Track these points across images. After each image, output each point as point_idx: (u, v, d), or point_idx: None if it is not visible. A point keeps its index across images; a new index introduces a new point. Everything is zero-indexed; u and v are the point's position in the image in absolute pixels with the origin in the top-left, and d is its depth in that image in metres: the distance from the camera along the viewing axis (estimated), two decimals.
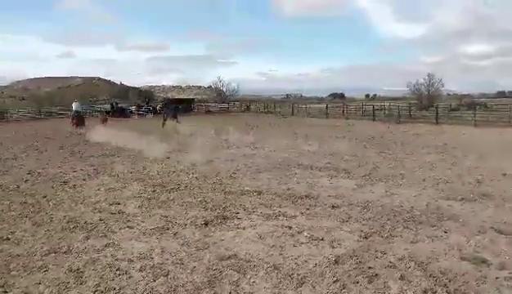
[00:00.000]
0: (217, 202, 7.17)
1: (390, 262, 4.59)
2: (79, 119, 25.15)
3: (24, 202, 7.38)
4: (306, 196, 7.59)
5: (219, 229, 5.84)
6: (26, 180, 9.31)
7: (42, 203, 7.31)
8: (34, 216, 6.58)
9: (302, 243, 5.25)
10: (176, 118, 26.03)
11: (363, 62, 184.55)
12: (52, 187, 8.61)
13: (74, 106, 26.50)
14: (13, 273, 4.45)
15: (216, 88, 62.76)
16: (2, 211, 6.86)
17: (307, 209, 6.79)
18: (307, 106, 44.86)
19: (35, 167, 10.97)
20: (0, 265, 4.64)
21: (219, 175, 9.65)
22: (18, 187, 8.64)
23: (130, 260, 4.72)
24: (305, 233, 5.57)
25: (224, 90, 60.89)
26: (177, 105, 34.68)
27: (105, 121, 26.88)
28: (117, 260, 4.75)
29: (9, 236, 5.61)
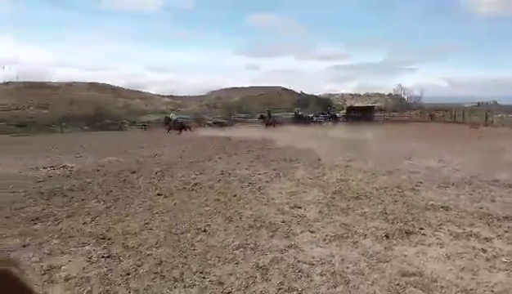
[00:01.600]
0: (398, 215, 6.85)
1: None
2: (178, 127, 31.86)
3: (218, 200, 8.22)
4: (504, 217, 6.69)
5: (401, 243, 5.56)
6: (219, 180, 10.36)
7: (232, 201, 8.05)
8: (226, 212, 7.26)
9: (500, 270, 4.64)
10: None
11: None
12: (241, 187, 9.40)
13: (173, 117, 35.23)
14: (209, 261, 4.97)
15: (397, 96, 60.31)
16: (200, 206, 7.76)
17: (506, 232, 5.98)
18: (506, 116, 39.63)
19: (226, 169, 12.13)
20: (200, 253, 5.25)
21: (401, 186, 9.22)
22: (212, 186, 9.68)
23: (311, 264, 4.84)
24: (503, 259, 4.92)
25: (405, 97, 58.10)
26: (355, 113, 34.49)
27: (269, 125, 34.38)
28: (299, 261, 4.92)
29: (206, 228, 6.31)
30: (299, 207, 7.48)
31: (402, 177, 10.36)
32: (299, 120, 39.52)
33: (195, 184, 9.87)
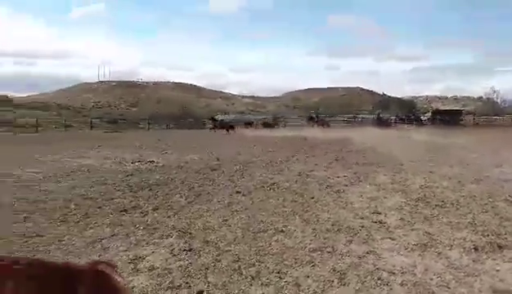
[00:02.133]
0: (489, 227, 6.37)
1: None
2: (225, 126, 36.10)
3: (295, 201, 8.21)
4: None
5: (492, 257, 5.16)
6: (296, 181, 10.34)
7: (310, 203, 7.99)
8: (303, 214, 7.23)
9: None
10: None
11: None
12: (319, 189, 9.31)
13: (219, 117, 40.61)
14: (286, 262, 4.97)
15: (489, 99, 56.26)
16: (277, 206, 7.80)
17: None
18: None
19: (304, 170, 12.08)
20: (276, 252, 5.27)
21: (492, 196, 8.56)
22: (290, 186, 9.68)
23: (391, 272, 4.65)
24: None
25: (498, 101, 54.02)
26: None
27: (320, 125, 38.22)
28: (378, 269, 4.75)
29: (283, 228, 6.32)
30: (380, 213, 7.23)
31: (493, 186, 9.63)
32: (381, 122, 38.33)
33: (273, 183, 9.94)
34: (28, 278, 1.78)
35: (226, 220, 6.74)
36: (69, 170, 12.23)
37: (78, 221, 6.72)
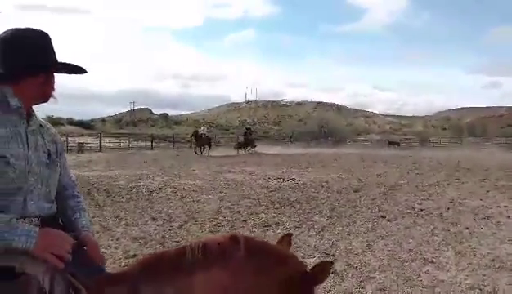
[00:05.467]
0: None
1: None
2: (204, 142, 30.20)
3: (447, 230, 7.52)
4: None
5: None
6: (448, 209, 9.49)
7: (464, 234, 7.24)
8: (457, 245, 6.57)
9: None
10: None
11: None
12: (475, 219, 8.40)
13: (203, 130, 31.65)
14: None
15: None
16: (426, 234, 7.23)
17: None
18: None
19: (456, 197, 11.06)
20: (427, 285, 4.86)
21: None
22: (441, 214, 8.93)
23: None
24: None
25: None
26: None
27: None
28: None
29: (433, 259, 5.83)
30: None
31: None
32: None
33: (421, 210, 9.28)
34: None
35: (370, 245, 6.47)
36: (218, 183, 13.12)
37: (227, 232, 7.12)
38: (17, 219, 1.64)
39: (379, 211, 9.14)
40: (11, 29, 1.76)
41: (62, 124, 51.62)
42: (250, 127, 40.28)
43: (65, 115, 59.89)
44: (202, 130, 31.81)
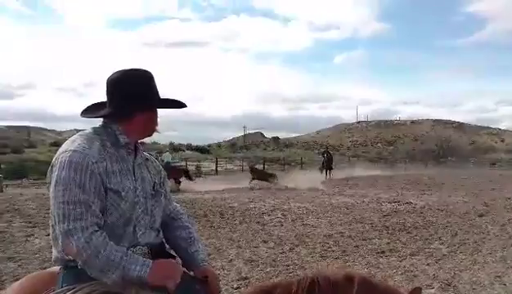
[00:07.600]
0: None
1: None
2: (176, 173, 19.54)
3: None
4: None
5: None
6: None
7: None
8: None
9: None
10: None
11: None
12: None
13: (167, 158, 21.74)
14: None
15: None
16: None
17: None
18: None
19: None
20: None
21: None
22: None
23: None
24: None
25: None
26: None
27: None
28: None
29: None
30: None
31: None
32: None
33: None
34: None
35: (500, 277, 5.79)
36: (328, 206, 12.91)
37: (337, 258, 6.93)
38: (128, 248, 1.78)
39: (510, 238, 8.18)
40: (118, 72, 1.92)
41: (182, 150, 55.29)
42: (328, 148, 39.25)
43: (184, 141, 64.27)
44: (165, 156, 22.56)
